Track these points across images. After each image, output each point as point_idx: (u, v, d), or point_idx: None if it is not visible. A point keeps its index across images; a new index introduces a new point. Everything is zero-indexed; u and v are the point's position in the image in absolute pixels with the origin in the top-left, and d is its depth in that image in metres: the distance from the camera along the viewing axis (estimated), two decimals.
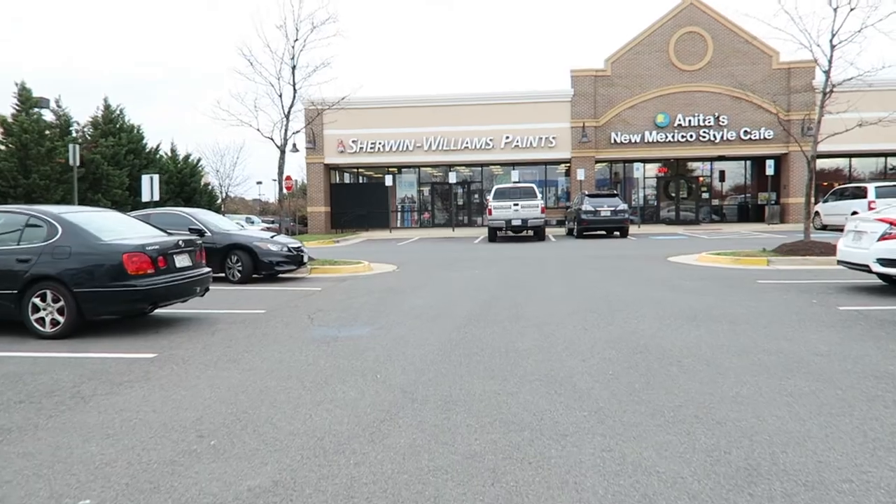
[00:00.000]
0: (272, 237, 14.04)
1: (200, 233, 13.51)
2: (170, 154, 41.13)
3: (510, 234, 25.98)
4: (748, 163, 34.45)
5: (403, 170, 35.99)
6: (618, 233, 25.97)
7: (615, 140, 31.63)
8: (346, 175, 37.08)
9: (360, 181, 37.04)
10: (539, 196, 25.90)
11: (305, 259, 14.29)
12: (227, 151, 66.38)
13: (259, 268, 13.33)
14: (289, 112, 16.46)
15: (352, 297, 10.76)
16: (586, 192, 26.45)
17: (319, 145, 33.03)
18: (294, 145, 32.73)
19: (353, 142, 32.75)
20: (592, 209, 25.11)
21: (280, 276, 14.02)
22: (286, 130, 16.50)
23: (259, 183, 74.83)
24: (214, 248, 13.36)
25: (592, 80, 31.60)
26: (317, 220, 33.43)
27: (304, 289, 12.28)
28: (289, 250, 13.69)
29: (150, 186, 16.71)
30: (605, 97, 31.61)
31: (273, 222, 50.53)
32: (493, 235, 24.85)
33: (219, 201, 44.66)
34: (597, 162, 32.57)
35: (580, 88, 31.65)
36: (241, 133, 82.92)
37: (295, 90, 16.43)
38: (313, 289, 12.24)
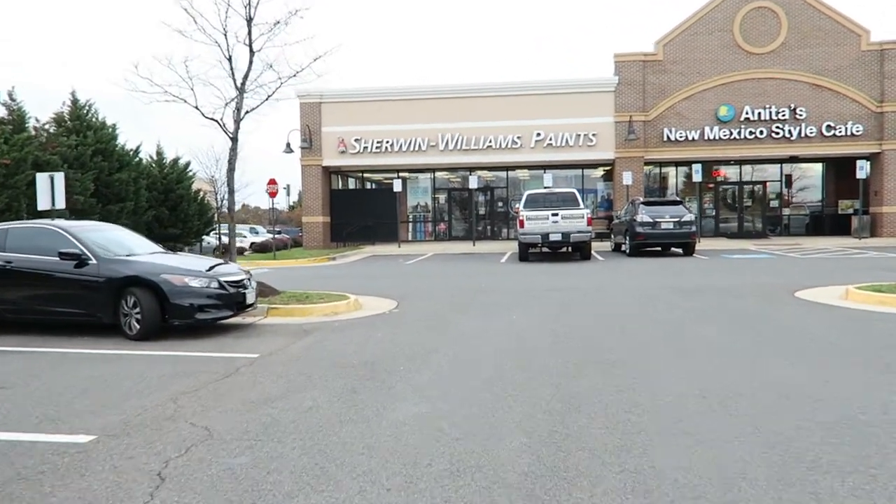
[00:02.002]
0: (211, 268, 9.08)
1: (78, 258, 8.59)
2: (154, 157, 36.64)
3: (545, 250, 20.82)
4: (822, 165, 29.01)
5: (415, 173, 30.97)
6: (681, 249, 20.73)
7: (668, 137, 26.41)
8: (350, 180, 32.16)
9: (365, 187, 32.06)
10: (582, 204, 20.77)
11: (251, 299, 9.27)
12: (222, 155, 61.26)
13: (169, 314, 8.35)
14: (243, 84, 11.49)
15: (291, 392, 5.70)
16: (641, 200, 21.23)
17: (317, 144, 28.17)
18: (288, 145, 27.93)
19: (356, 140, 27.85)
20: (650, 220, 19.89)
21: (219, 323, 9.02)
22: (240, 110, 11.54)
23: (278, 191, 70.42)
24: (98, 284, 8.44)
25: (641, 67, 26.44)
26: (313, 231, 28.52)
27: (224, 357, 7.26)
28: (221, 287, 8.69)
29: (48, 189, 11.81)
30: (655, 86, 26.42)
31: (279, 232, 45.89)
32: (525, 253, 19.73)
33: (212, 212, 39.99)
34: (646, 164, 27.33)
35: (626, 76, 26.49)
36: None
37: (252, 52, 11.46)
38: (244, 356, 7.23)
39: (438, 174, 30.72)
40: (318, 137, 28.15)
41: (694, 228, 20.09)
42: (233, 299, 8.86)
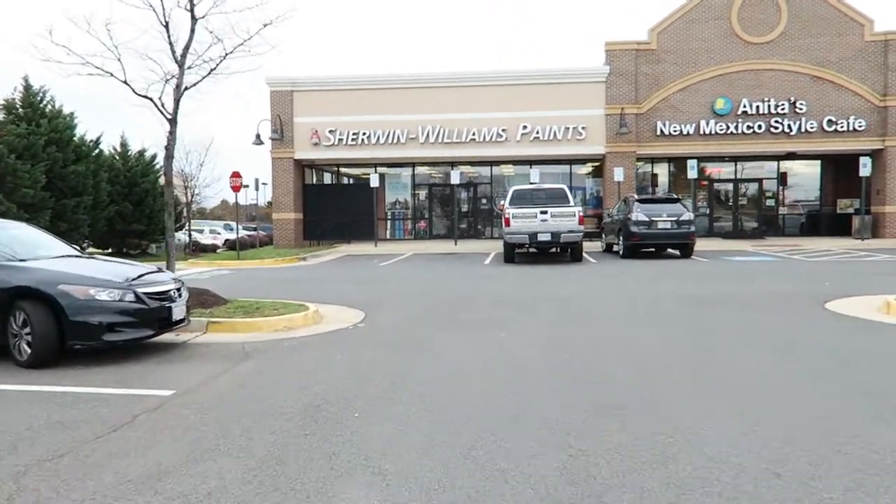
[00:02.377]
0: (137, 277, 7.36)
1: None
2: (118, 149, 34.54)
3: (533, 250, 19.25)
4: (819, 162, 27.74)
5: (394, 168, 29.26)
6: (678, 251, 19.26)
7: (662, 131, 24.94)
8: (326, 175, 30.36)
9: (341, 181, 30.27)
10: (573, 201, 19.23)
11: (179, 314, 7.55)
12: (192, 149, 57.44)
13: (69, 335, 6.63)
14: (184, 55, 9.73)
15: (193, 461, 4.00)
16: (636, 197, 19.73)
17: (288, 136, 26.35)
18: (258, 136, 26.08)
19: (331, 132, 26.07)
20: (646, 219, 18.38)
21: (144, 342, 7.29)
22: (179, 87, 9.77)
23: (246, 186, 67.68)
24: None
25: (633, 56, 24.93)
26: (285, 229, 26.70)
27: (126, 395, 5.54)
28: (138, 301, 6.97)
29: None
30: (649, 77, 24.94)
31: (255, 229, 43.79)
32: (511, 254, 18.13)
33: (180, 206, 37.95)
34: (637, 159, 25.84)
35: (618, 66, 24.97)
36: (207, 124, 74.26)
37: (194, 17, 9.68)
38: (153, 394, 5.54)
39: (419, 169, 29.05)
40: (290, 128, 26.33)
41: (693, 228, 18.61)
42: (154, 315, 7.15)
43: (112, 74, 9.45)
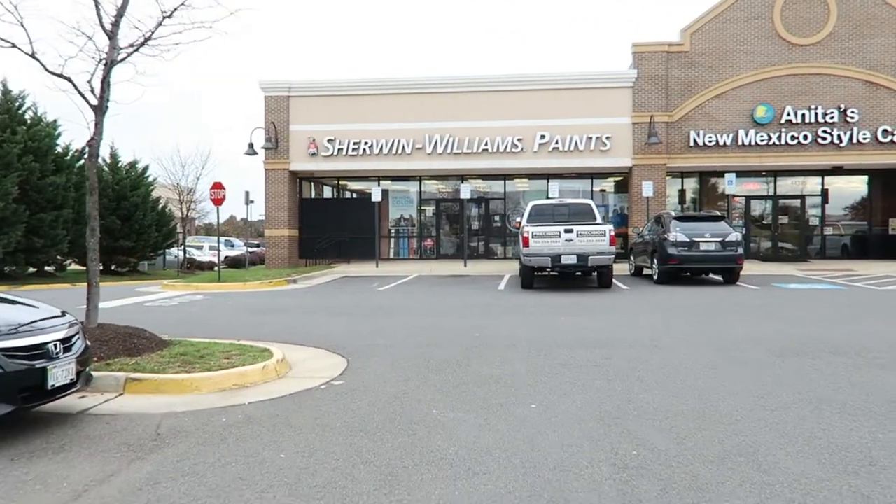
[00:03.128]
0: (21, 326, 4.99)
1: None
2: (107, 160, 32.48)
3: (553, 273, 16.76)
4: (867, 178, 25.18)
5: (399, 181, 26.92)
6: (721, 277, 16.77)
7: (695, 141, 22.49)
8: (326, 189, 28.07)
9: (340, 195, 27.90)
10: (600, 217, 16.84)
11: (63, 378, 5.13)
12: (189, 161, 54.44)
13: None
14: (115, 25, 7.39)
15: None
16: (673, 214, 17.25)
17: (283, 145, 24.09)
18: (251, 145, 23.86)
19: (330, 141, 23.80)
20: (686, 239, 15.90)
21: (31, 412, 4.89)
22: (109, 65, 7.41)
23: (252, 202, 65.55)
24: None
25: (664, 59, 22.57)
26: (277, 247, 24.36)
27: None
28: None
29: None
30: (681, 82, 22.55)
31: (259, 245, 41.46)
32: (530, 278, 15.67)
33: (174, 222, 35.78)
34: (668, 173, 23.37)
35: (646, 69, 22.61)
36: (207, 135, 71.51)
37: None
38: None
39: (426, 182, 26.70)
40: (286, 137, 24.08)
41: (741, 251, 16.09)
42: (15, 383, 4.73)
43: (14, 45, 7.12)
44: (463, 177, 25.36)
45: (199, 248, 46.00)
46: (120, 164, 32.62)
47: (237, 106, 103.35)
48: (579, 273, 16.09)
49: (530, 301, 13.31)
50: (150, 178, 33.87)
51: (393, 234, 26.99)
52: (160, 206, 34.15)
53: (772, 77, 22.16)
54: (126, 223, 30.68)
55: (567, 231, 14.81)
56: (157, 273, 35.01)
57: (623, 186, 25.43)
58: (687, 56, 22.51)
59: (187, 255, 41.20)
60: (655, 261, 16.79)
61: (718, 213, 18.27)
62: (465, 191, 22.58)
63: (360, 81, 24.03)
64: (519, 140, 23.11)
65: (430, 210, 27.00)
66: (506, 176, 25.87)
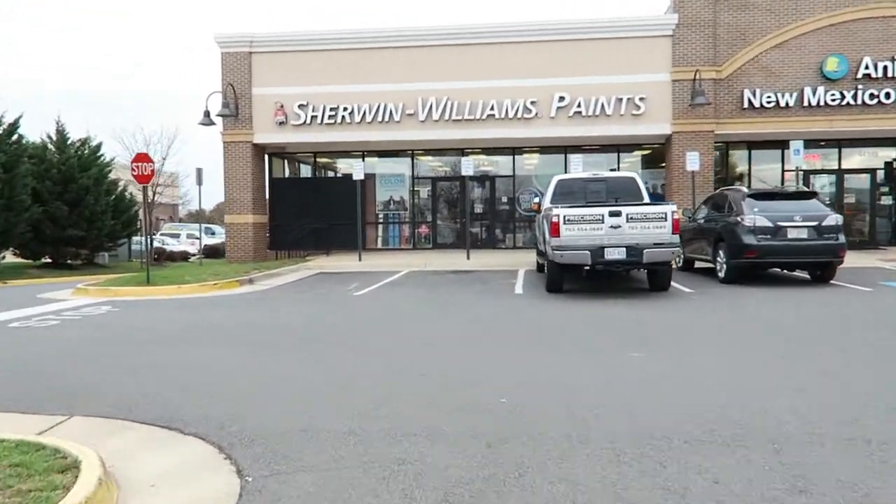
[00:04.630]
0: None
1: None
2: (53, 137, 28.17)
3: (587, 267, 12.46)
4: None
5: (387, 157, 22.64)
6: (807, 272, 12.68)
7: (750, 102, 18.24)
8: (305, 168, 23.80)
9: (318, 174, 23.52)
10: (647, 197, 12.75)
11: None
12: (153, 139, 48.00)
13: None
14: None
15: None
16: (745, 190, 13.04)
17: (245, 112, 19.81)
18: (206, 113, 19.59)
19: (301, 107, 19.51)
20: (769, 224, 11.75)
21: None
22: None
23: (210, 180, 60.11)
24: None
25: (711, 0, 18.24)
26: (240, 236, 20.15)
27: None
28: None
29: None
30: (732, 29, 18.27)
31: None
32: (559, 279, 11.49)
33: (136, 207, 31.50)
34: (716, 143, 19.15)
35: (689, 13, 18.31)
36: (174, 111, 65.17)
37: None
38: None
39: (419, 158, 22.42)
40: (248, 103, 19.78)
41: (842, 239, 11.91)
42: None
43: None
44: (464, 150, 21.12)
45: (176, 236, 41.88)
46: (69, 142, 28.33)
47: (215, 80, 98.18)
48: (623, 269, 11.87)
49: (566, 315, 9.16)
50: (106, 158, 29.56)
51: (381, 220, 22.74)
52: (118, 190, 29.89)
53: (845, 21, 17.88)
54: (74, 209, 26.42)
55: (613, 214, 10.62)
56: (119, 266, 30.81)
57: (654, 160, 21.21)
58: None
59: (156, 245, 37.20)
60: (721, 253, 12.62)
61: (808, 190, 14.10)
62: (467, 167, 18.32)
63: (337, 33, 19.70)
64: (532, 103, 18.84)
65: (424, 191, 22.73)
66: (515, 149, 21.62)
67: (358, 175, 18.66)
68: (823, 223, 11.74)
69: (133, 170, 13.38)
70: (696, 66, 18.09)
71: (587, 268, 10.83)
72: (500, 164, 22.30)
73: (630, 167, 21.61)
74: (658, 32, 18.44)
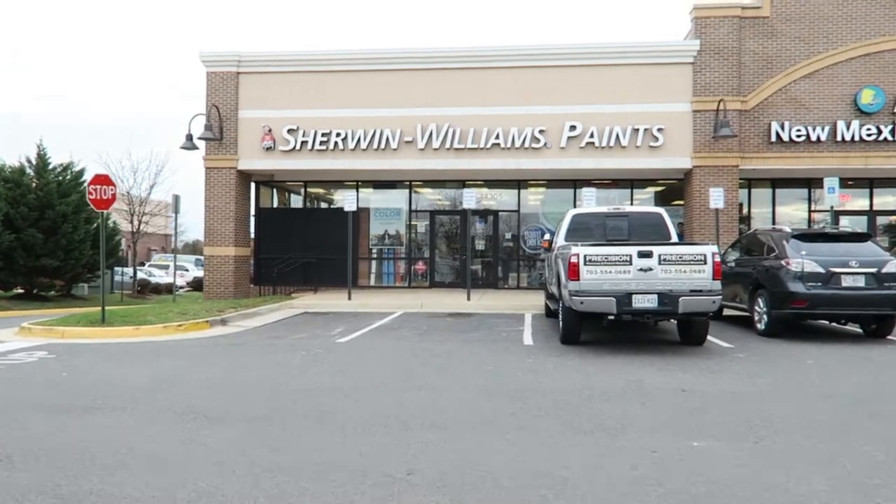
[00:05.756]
0: None
1: None
2: (32, 161, 26.73)
3: (611, 317, 10.66)
4: None
5: (382, 188, 21.10)
6: (859, 327, 11.02)
7: (778, 136, 16.79)
8: (296, 199, 22.24)
9: (308, 205, 21.91)
10: (673, 232, 11.16)
11: None
12: (140, 166, 43.73)
13: None
14: None
15: None
16: (788, 230, 11.40)
17: (230, 136, 18.34)
18: (189, 137, 18.10)
19: (291, 132, 18.04)
20: (820, 270, 10.14)
21: None
22: None
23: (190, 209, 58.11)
24: None
25: (735, 26, 16.95)
26: (220, 270, 18.47)
27: None
28: None
29: None
30: (758, 57, 16.93)
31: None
32: (576, 329, 9.82)
33: (118, 237, 29.85)
34: (749, 180, 17.67)
35: (712, 40, 16.98)
36: (163, 139, 63.83)
37: None
38: None
39: (417, 189, 20.90)
40: (233, 125, 18.32)
41: None
42: None
43: None
44: (465, 182, 19.59)
45: (165, 267, 40.19)
46: (51, 167, 26.85)
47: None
48: (649, 319, 10.14)
49: (591, 379, 7.44)
50: (86, 185, 28.04)
51: (374, 255, 21.08)
52: (104, 219, 28.26)
53: (882, 51, 16.55)
54: (51, 238, 24.87)
55: (643, 255, 8.98)
56: (97, 298, 29.11)
57: (669, 197, 19.69)
58: (766, 22, 16.88)
59: (141, 276, 35.50)
60: (761, 301, 10.97)
61: (861, 231, 12.52)
62: (469, 199, 16.74)
63: (331, 53, 18.34)
64: (541, 132, 17.38)
65: (422, 225, 21.13)
66: (520, 182, 20.10)
67: (350, 206, 17.08)
68: (883, 270, 10.11)
69: (90, 193, 11.76)
70: (720, 96, 16.68)
71: (616, 315, 9.13)
72: (503, 199, 20.75)
73: (642, 205, 20.06)
74: (678, 59, 17.07)
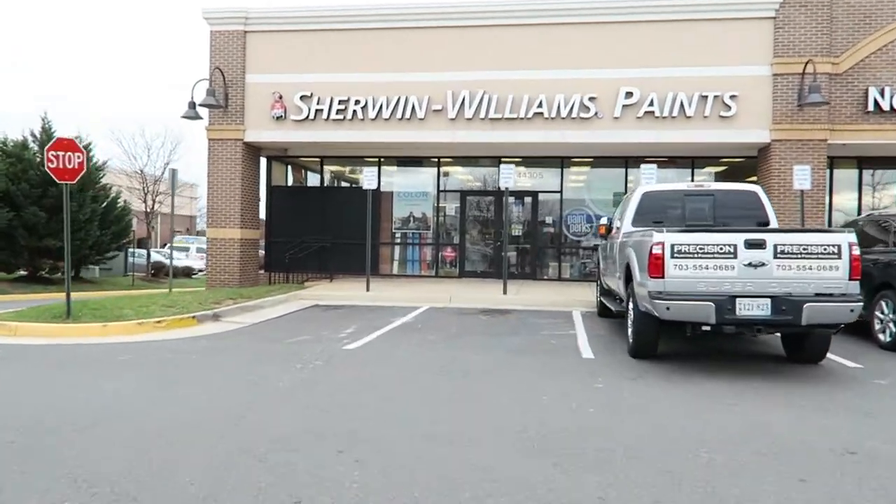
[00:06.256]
0: None
1: None
2: (36, 136, 25.04)
3: (705, 328, 8.19)
4: None
5: (406, 164, 18.83)
6: None
7: (877, 104, 14.10)
8: (313, 176, 20.11)
9: (324, 183, 19.70)
10: (773, 216, 8.69)
11: None
12: (154, 143, 41.69)
13: None
14: None
15: None
16: None
17: (236, 104, 16.23)
18: (192, 104, 16.03)
19: (304, 98, 15.86)
20: None
21: None
22: None
23: (195, 185, 53.82)
24: None
25: None
26: (225, 255, 16.45)
27: None
28: None
29: None
30: (853, 10, 14.23)
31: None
32: (652, 340, 7.48)
33: (129, 216, 28.13)
34: (831, 158, 15.03)
35: None
36: (176, 115, 61.17)
37: None
38: None
39: (446, 166, 18.58)
40: (240, 91, 16.20)
41: None
42: None
43: None
44: (500, 159, 17.23)
45: (185, 249, 38.63)
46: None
47: None
48: (760, 332, 7.67)
49: (693, 422, 5.15)
50: (97, 161, 26.33)
51: (398, 240, 18.85)
52: (109, 197, 26.59)
53: None
54: (54, 217, 23.16)
55: (752, 245, 6.62)
56: (108, 281, 27.49)
57: (732, 177, 17.11)
58: None
59: (156, 259, 33.95)
60: (885, 305, 8.53)
61: None
62: (507, 177, 14.38)
63: (349, 9, 16.05)
64: (591, 100, 14.92)
65: (451, 207, 18.81)
66: (563, 160, 17.69)
67: (370, 183, 14.88)
68: None
69: (49, 161, 9.66)
70: (807, 57, 14.04)
71: (702, 328, 6.80)
72: (543, 179, 18.33)
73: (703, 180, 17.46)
74: (756, 13, 14.43)
